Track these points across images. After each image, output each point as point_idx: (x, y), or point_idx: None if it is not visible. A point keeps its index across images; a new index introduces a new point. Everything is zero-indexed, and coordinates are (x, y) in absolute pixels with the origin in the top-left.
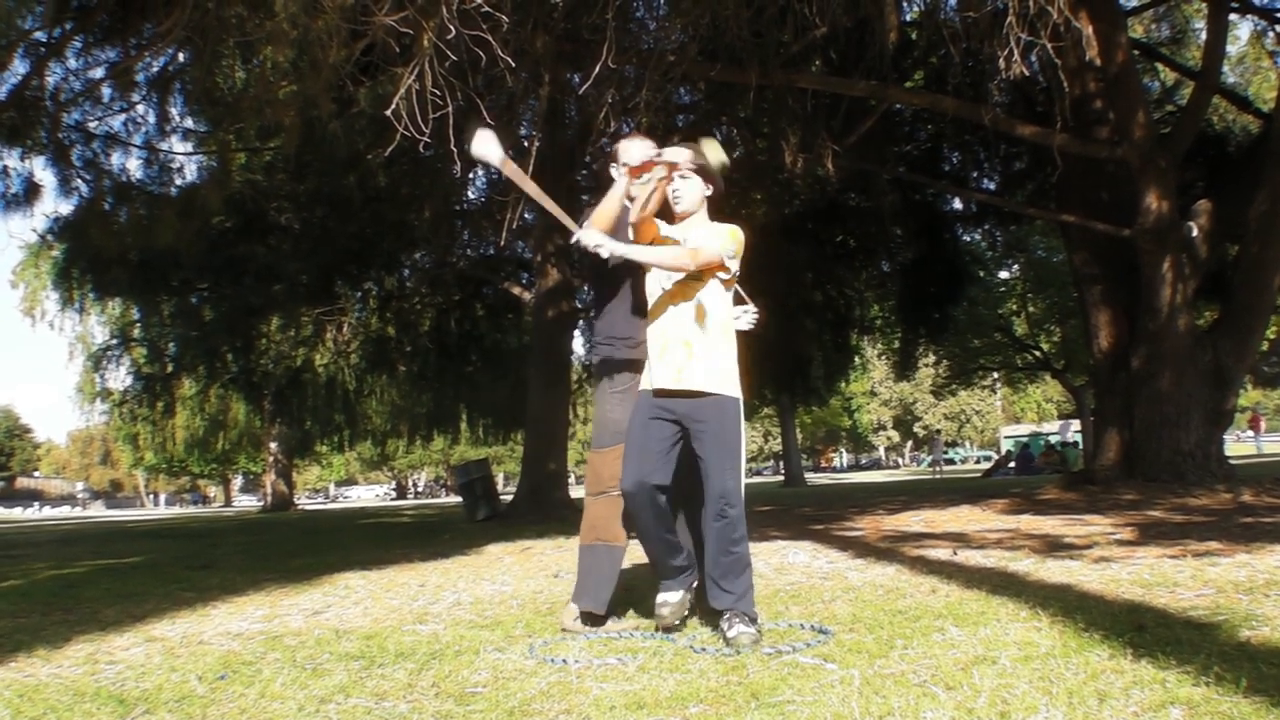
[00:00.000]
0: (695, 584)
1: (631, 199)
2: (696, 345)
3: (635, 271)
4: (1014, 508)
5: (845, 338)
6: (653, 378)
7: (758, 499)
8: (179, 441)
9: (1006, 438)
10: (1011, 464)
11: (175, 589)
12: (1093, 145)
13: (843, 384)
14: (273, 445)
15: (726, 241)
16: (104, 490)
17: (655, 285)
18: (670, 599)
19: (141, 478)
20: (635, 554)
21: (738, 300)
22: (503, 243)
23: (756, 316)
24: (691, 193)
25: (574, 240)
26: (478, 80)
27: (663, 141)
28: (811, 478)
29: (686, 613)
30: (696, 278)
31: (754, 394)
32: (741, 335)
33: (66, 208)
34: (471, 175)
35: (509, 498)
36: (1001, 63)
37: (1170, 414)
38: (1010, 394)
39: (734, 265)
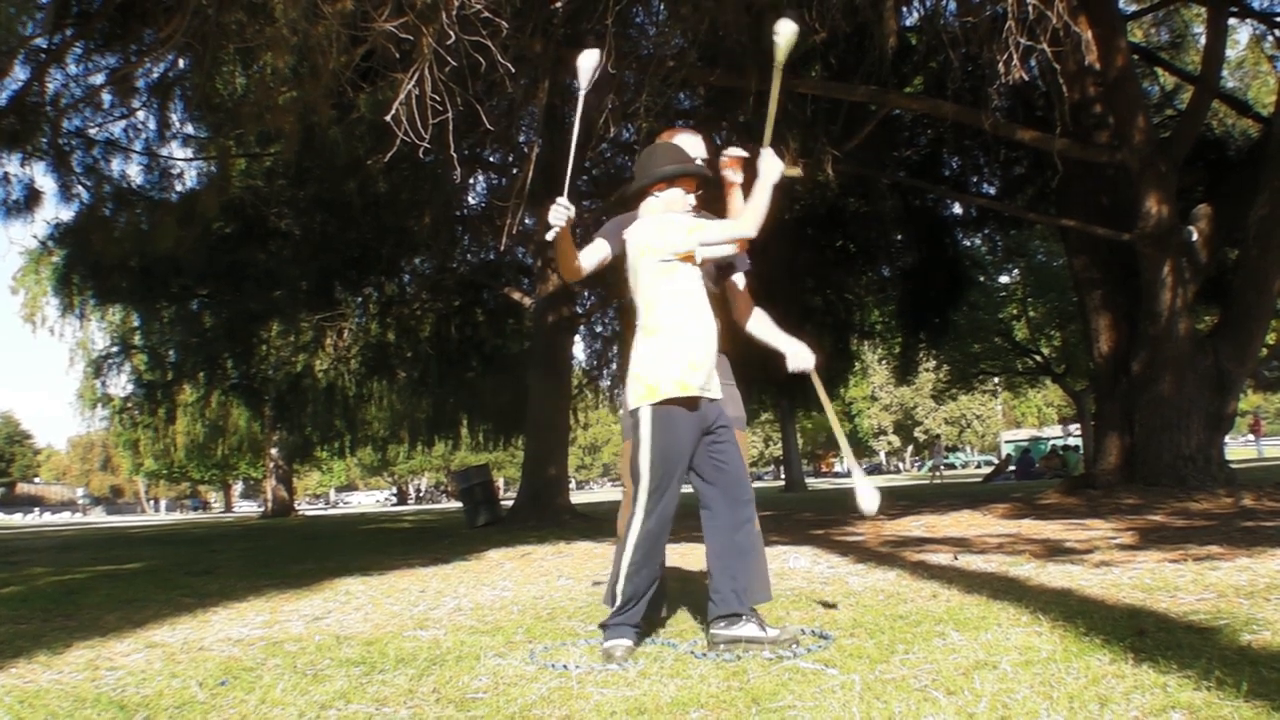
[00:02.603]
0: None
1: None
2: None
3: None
4: (1015, 512)
5: (845, 342)
6: (690, 385)
7: (759, 504)
8: (179, 447)
9: (1007, 442)
10: (1012, 468)
11: (176, 595)
12: (1092, 150)
13: (843, 389)
14: (273, 451)
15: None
16: (104, 496)
17: (675, 284)
18: (625, 643)
19: (142, 484)
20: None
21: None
22: (503, 247)
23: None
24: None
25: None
26: (477, 86)
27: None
28: (812, 483)
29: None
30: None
31: (754, 399)
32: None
33: (67, 214)
34: (472, 180)
35: (510, 503)
36: (1001, 67)
37: (1171, 418)
38: (1011, 399)
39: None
